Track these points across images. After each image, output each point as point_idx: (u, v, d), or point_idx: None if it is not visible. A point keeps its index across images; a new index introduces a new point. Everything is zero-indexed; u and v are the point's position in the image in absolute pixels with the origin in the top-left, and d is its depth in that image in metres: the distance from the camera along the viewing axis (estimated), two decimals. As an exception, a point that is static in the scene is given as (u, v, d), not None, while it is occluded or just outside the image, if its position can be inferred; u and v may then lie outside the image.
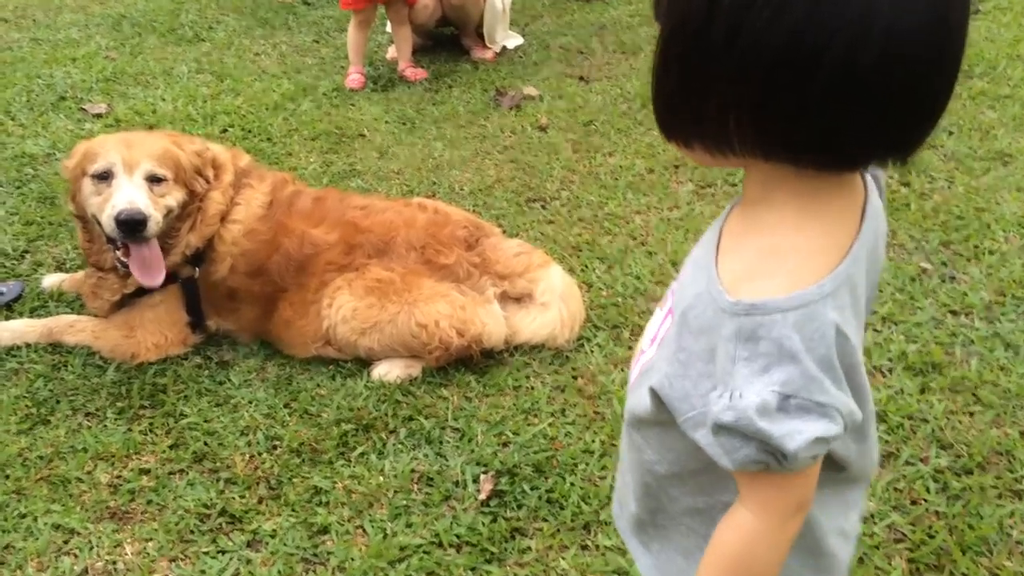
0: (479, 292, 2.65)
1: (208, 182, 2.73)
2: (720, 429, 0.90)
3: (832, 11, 0.79)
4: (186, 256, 2.70)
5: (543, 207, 3.60)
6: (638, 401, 1.07)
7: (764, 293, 0.89)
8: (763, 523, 0.95)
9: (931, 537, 2.06)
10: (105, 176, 2.58)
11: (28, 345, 2.79)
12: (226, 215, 2.72)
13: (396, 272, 2.61)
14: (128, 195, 2.54)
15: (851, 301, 0.91)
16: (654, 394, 1.01)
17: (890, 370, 2.57)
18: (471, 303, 2.59)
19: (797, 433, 0.87)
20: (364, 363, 2.67)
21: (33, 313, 2.97)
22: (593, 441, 2.35)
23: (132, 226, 2.52)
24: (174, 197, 2.64)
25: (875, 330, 2.74)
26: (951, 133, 4.00)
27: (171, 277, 2.71)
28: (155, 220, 2.56)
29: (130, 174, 2.58)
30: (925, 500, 2.15)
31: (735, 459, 0.91)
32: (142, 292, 2.74)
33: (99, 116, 4.55)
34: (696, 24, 0.85)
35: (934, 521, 2.10)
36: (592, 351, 2.71)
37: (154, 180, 2.60)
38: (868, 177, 1.02)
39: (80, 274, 3.07)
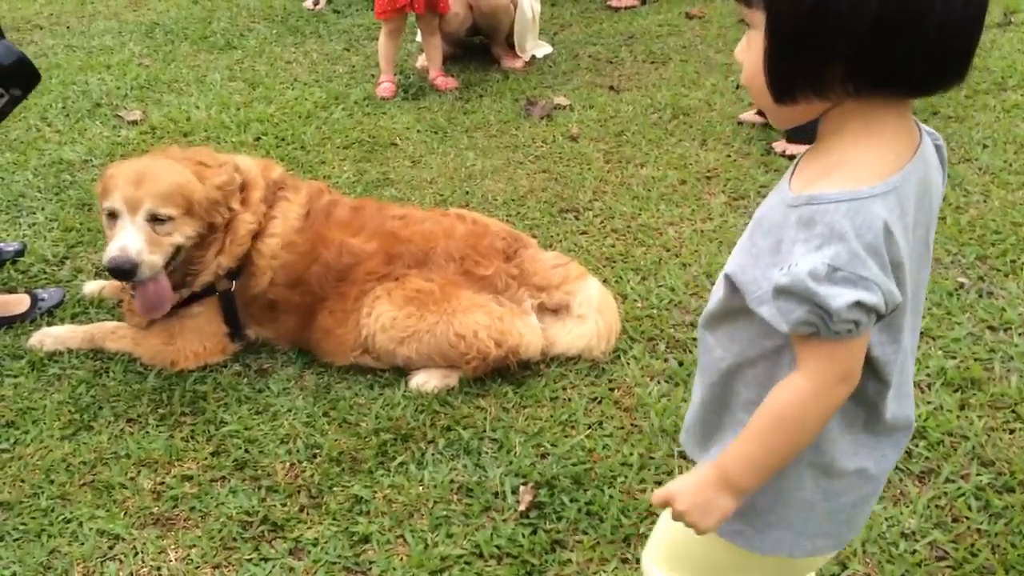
0: (517, 304, 2.66)
1: (231, 209, 2.70)
2: (779, 293, 1.08)
3: None
4: (219, 275, 2.73)
5: (576, 218, 3.61)
6: (714, 293, 1.27)
7: (825, 189, 1.08)
8: (812, 385, 1.12)
9: (974, 555, 2.05)
10: (112, 215, 2.60)
11: (70, 351, 2.83)
12: (261, 230, 2.74)
13: (435, 282, 2.63)
14: (122, 241, 2.55)
15: (900, 213, 1.09)
16: (728, 281, 1.20)
17: (929, 386, 2.56)
18: (509, 314, 2.61)
19: (840, 296, 1.04)
20: (401, 372, 2.69)
21: (74, 319, 3.01)
22: (631, 454, 2.36)
23: (121, 274, 2.56)
24: (183, 233, 2.61)
25: (913, 345, 2.73)
26: (985, 147, 3.98)
27: (209, 289, 2.75)
28: (148, 264, 2.55)
29: (133, 215, 2.56)
30: (967, 518, 2.14)
31: (789, 320, 1.09)
32: (180, 304, 2.78)
33: (134, 123, 4.60)
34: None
35: (976, 539, 2.09)
36: (628, 363, 2.72)
37: (157, 220, 2.58)
38: (930, 139, 1.20)
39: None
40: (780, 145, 4.04)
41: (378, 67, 5.09)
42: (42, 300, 3.06)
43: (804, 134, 4.02)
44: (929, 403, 2.49)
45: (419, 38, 5.27)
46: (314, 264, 2.72)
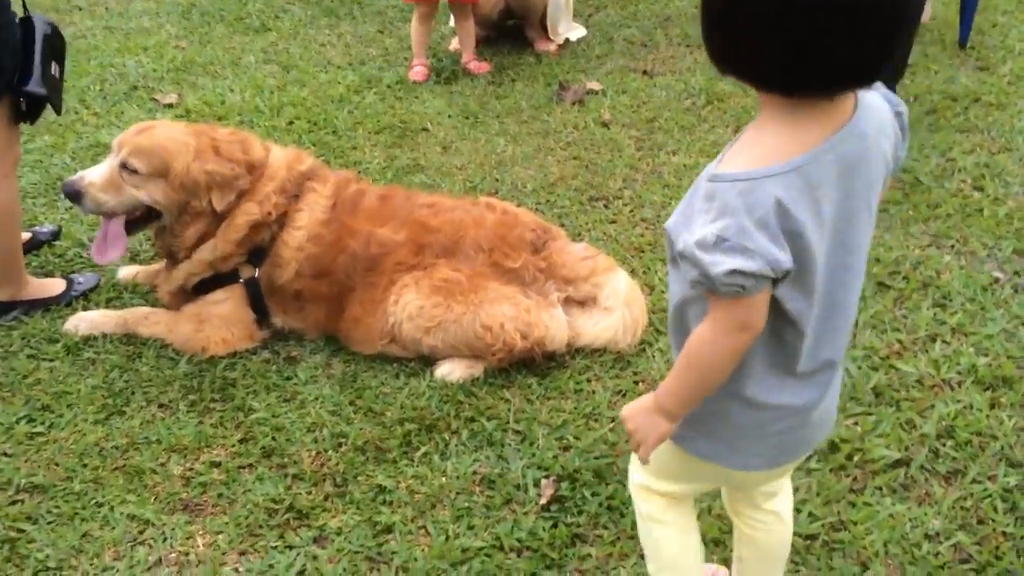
0: (544, 296, 2.66)
1: (226, 199, 2.73)
2: (680, 256, 1.29)
3: None
4: (218, 260, 2.78)
5: (605, 206, 3.59)
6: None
7: (727, 168, 1.26)
8: (713, 332, 1.33)
9: (998, 559, 2.03)
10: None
11: (104, 335, 2.89)
12: (288, 222, 2.77)
13: (463, 272, 2.63)
14: (86, 171, 2.78)
15: (804, 189, 1.24)
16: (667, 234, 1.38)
17: (959, 384, 2.53)
18: (536, 307, 2.61)
19: (720, 264, 1.22)
20: (427, 362, 2.71)
21: (108, 304, 3.07)
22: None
23: (68, 196, 2.78)
24: (149, 193, 2.73)
25: (944, 342, 2.70)
26: (1027, 135, 3.89)
27: (232, 276, 2.79)
28: (92, 199, 2.73)
29: (113, 156, 2.75)
30: (992, 520, 2.12)
31: (688, 278, 1.29)
32: (204, 288, 2.83)
33: (170, 106, 4.65)
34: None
35: (1001, 542, 2.07)
36: (654, 355, 2.71)
37: (127, 169, 2.71)
38: (883, 111, 1.35)
39: (154, 266, 3.16)
40: (815, 133, 3.98)
41: (411, 50, 5.09)
42: (78, 284, 3.12)
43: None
44: (959, 401, 2.45)
45: (452, 22, 5.25)
46: (341, 255, 2.74)
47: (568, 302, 2.72)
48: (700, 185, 1.31)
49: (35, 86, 2.75)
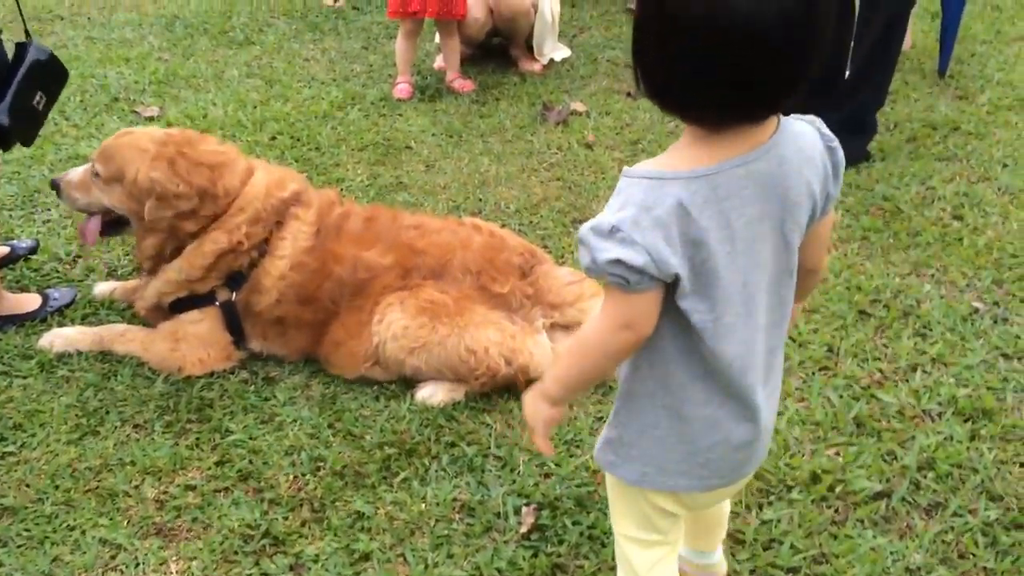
0: (530, 322, 2.65)
1: (151, 211, 2.68)
2: (578, 241, 1.34)
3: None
4: (185, 281, 2.75)
5: (588, 228, 3.58)
6: None
7: (639, 167, 1.32)
8: (600, 324, 1.38)
9: (978, 593, 2.03)
10: None
11: (80, 352, 2.84)
12: (270, 250, 2.73)
13: (450, 295, 2.61)
14: (75, 169, 2.89)
15: (710, 198, 1.29)
16: None
17: (939, 415, 2.54)
18: (521, 333, 2.60)
19: (605, 251, 1.27)
20: (408, 384, 2.69)
21: (84, 320, 3.03)
22: (635, 476, 2.34)
23: (52, 187, 2.91)
24: (108, 197, 2.78)
25: (924, 371, 2.71)
26: (1006, 166, 3.93)
27: (208, 298, 2.76)
28: (67, 195, 2.85)
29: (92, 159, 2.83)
30: (973, 555, 2.11)
31: (581, 261, 1.34)
32: (180, 306, 2.80)
33: (151, 119, 4.61)
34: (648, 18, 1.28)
35: (982, 576, 2.07)
36: (636, 382, 2.70)
37: (94, 171, 2.79)
38: (816, 142, 1.40)
39: (131, 283, 3.12)
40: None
41: (396, 67, 5.08)
42: (53, 299, 3.07)
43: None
44: (939, 433, 2.46)
45: (437, 39, 5.25)
46: (326, 281, 2.71)
47: (553, 327, 2.70)
48: None
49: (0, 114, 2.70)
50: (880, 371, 2.73)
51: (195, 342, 2.74)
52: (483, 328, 2.57)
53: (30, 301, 3.04)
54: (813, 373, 2.72)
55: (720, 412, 1.46)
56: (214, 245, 2.72)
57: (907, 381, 2.68)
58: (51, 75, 2.87)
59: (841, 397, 2.61)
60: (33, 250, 3.38)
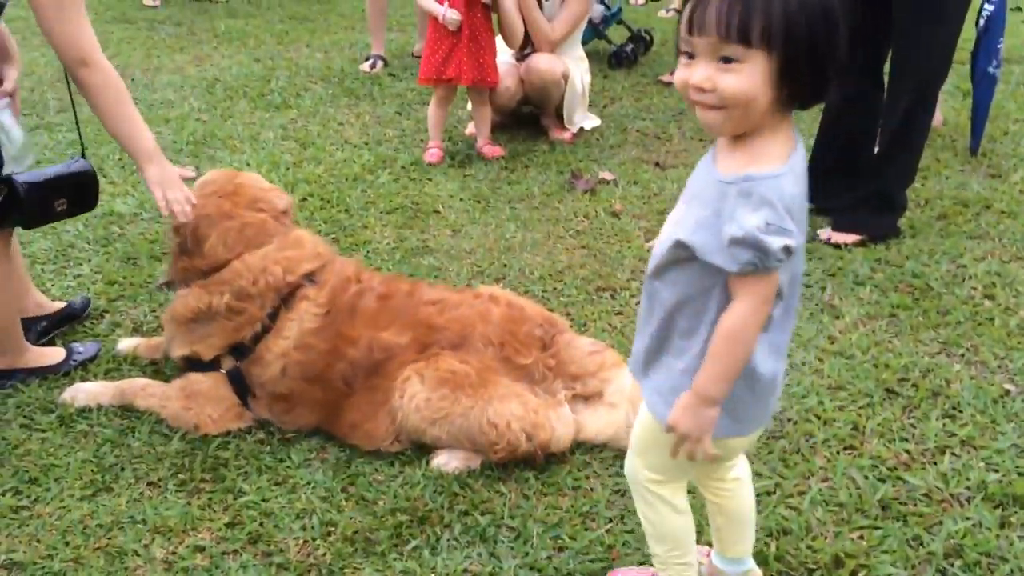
0: (552, 395, 2.62)
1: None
2: (734, 242, 1.52)
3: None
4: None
5: (612, 297, 3.57)
6: (658, 253, 1.71)
7: (754, 171, 1.53)
8: (750, 308, 1.58)
9: None
10: None
11: (100, 407, 2.85)
12: (275, 328, 2.71)
13: (471, 365, 2.59)
14: None
15: (798, 183, 1.57)
16: (680, 243, 1.61)
17: (968, 500, 2.46)
18: (544, 407, 2.56)
19: (776, 242, 1.50)
20: (423, 450, 2.66)
21: (107, 375, 3.04)
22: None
23: None
24: None
25: (953, 454, 2.63)
26: (1039, 244, 3.87)
27: (213, 364, 2.77)
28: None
29: None
30: (1003, 650, 2.02)
31: (739, 261, 1.53)
32: (192, 366, 2.81)
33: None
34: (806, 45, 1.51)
35: (1012, 673, 1.97)
36: (655, 455, 2.65)
37: None
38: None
39: (155, 340, 3.14)
40: (825, 233, 3.98)
41: (427, 132, 5.16)
42: (77, 353, 3.10)
43: (853, 223, 3.92)
44: (968, 519, 2.38)
45: (469, 106, 5.33)
46: (338, 362, 2.66)
47: (575, 398, 2.67)
48: (707, 193, 1.58)
49: (20, 176, 2.81)
50: (907, 452, 2.66)
51: (204, 401, 2.74)
52: (506, 401, 2.53)
53: (54, 354, 3.07)
54: (838, 452, 2.65)
55: (778, 365, 1.74)
56: (194, 301, 2.75)
57: (935, 463, 2.61)
58: (81, 188, 3.01)
59: (866, 478, 2.54)
60: (86, 305, 3.41)
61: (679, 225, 1.63)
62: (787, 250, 1.50)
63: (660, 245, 1.71)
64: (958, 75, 5.80)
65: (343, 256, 3.02)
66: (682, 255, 1.63)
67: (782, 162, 1.54)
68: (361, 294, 2.77)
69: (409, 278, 3.06)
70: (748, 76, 1.49)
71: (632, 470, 1.95)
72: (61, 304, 3.31)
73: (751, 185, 1.51)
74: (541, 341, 2.70)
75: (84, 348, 3.14)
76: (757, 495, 2.46)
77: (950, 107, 5.67)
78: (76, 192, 3.01)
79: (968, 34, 4.49)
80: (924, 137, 3.98)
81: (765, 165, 1.53)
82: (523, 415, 2.51)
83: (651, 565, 2.08)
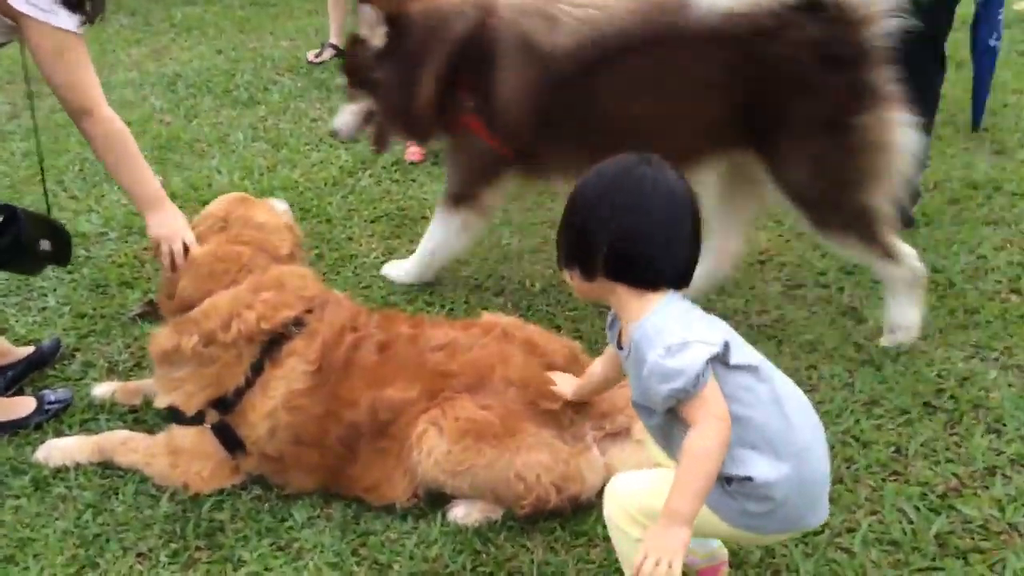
0: (579, 439, 2.41)
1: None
2: (646, 379, 1.73)
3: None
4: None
5: (621, 308, 3.36)
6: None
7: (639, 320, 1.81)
8: (700, 427, 1.71)
9: None
10: None
11: (78, 466, 2.60)
12: (260, 384, 2.45)
13: (494, 410, 2.34)
14: None
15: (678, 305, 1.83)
16: (634, 404, 1.93)
17: (1029, 530, 2.29)
18: (575, 455, 2.35)
19: (678, 361, 1.71)
20: (439, 502, 2.44)
21: (82, 426, 2.79)
22: (697, 611, 2.09)
23: None
24: None
25: (1004, 476, 2.47)
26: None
27: (198, 418, 2.50)
28: None
29: None
30: None
31: (660, 396, 1.73)
32: (176, 417, 2.55)
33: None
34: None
35: None
36: (688, 492, 2.45)
37: None
38: None
39: (132, 383, 2.89)
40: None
41: (407, 128, 4.88)
42: (48, 403, 2.83)
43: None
44: (1032, 554, 2.21)
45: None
46: (334, 426, 2.40)
47: (604, 438, 2.46)
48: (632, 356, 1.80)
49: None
50: (956, 476, 2.48)
51: (191, 457, 2.49)
52: (534, 452, 2.30)
53: (23, 405, 2.81)
54: (883, 480, 2.48)
55: (783, 466, 1.81)
56: (163, 339, 2.53)
57: (987, 488, 2.44)
58: (58, 234, 2.80)
59: (918, 509, 2.36)
60: (57, 347, 3.13)
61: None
62: (707, 361, 1.68)
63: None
64: (951, 44, 5.61)
65: (335, 291, 2.76)
66: (643, 410, 1.84)
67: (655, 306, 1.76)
68: (357, 345, 2.49)
69: (408, 316, 2.79)
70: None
71: (614, 496, 1.92)
72: (29, 349, 3.03)
73: (641, 329, 1.74)
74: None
75: (56, 395, 2.87)
76: (804, 536, 2.29)
77: (947, 82, 5.47)
78: (55, 235, 2.77)
79: (965, 8, 4.30)
80: (932, 120, 3.77)
81: (645, 312, 1.76)
82: (552, 466, 2.29)
83: None
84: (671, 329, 1.72)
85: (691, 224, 1.79)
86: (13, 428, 2.75)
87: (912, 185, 3.78)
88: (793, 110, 2.83)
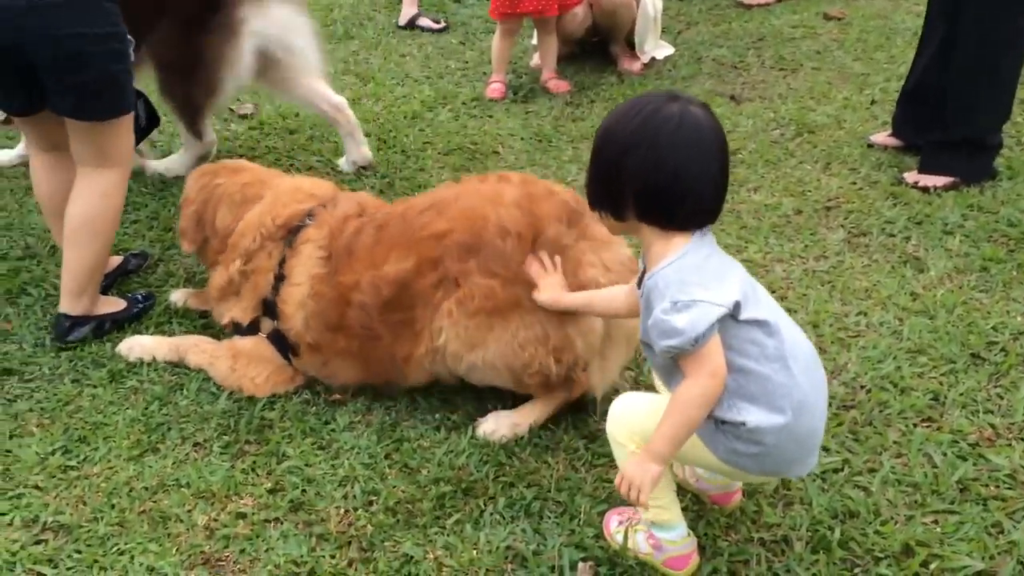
0: (577, 262, 2.39)
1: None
2: (651, 329, 1.81)
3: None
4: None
5: (677, 246, 3.38)
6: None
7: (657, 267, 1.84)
8: (691, 380, 1.79)
9: None
10: None
11: (151, 363, 2.83)
12: (286, 274, 2.65)
13: (498, 280, 2.37)
14: None
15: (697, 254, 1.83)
16: (641, 342, 1.95)
17: (1058, 483, 2.25)
18: (563, 325, 2.37)
19: (680, 318, 1.74)
20: (470, 416, 2.57)
21: (158, 328, 3.02)
22: (705, 534, 2.16)
23: None
24: None
25: (1044, 430, 2.41)
26: None
27: (252, 328, 2.74)
28: None
29: None
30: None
31: (658, 346, 1.78)
32: (236, 330, 2.79)
33: (244, 117, 4.63)
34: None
35: None
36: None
37: None
38: None
39: (204, 291, 3.10)
40: (912, 176, 3.69)
41: (491, 64, 4.96)
42: (137, 304, 3.08)
43: (943, 164, 3.60)
44: (1056, 506, 2.18)
45: (535, 38, 5.09)
46: (348, 309, 2.53)
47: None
48: (645, 296, 1.84)
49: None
50: (992, 426, 2.45)
51: (248, 361, 2.69)
52: (531, 327, 2.36)
53: (117, 303, 3.06)
54: (914, 425, 2.46)
55: (778, 417, 1.85)
56: (218, 279, 2.79)
57: (1022, 440, 2.40)
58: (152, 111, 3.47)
59: (945, 455, 2.35)
60: (145, 258, 3.40)
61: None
62: (713, 324, 1.71)
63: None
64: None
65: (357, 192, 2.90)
66: (647, 347, 1.88)
67: (676, 253, 1.78)
68: (359, 231, 2.58)
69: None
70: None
71: (618, 415, 1.99)
72: (119, 259, 3.31)
73: (655, 278, 1.77)
74: (569, 216, 2.43)
75: (142, 298, 3.12)
76: (822, 472, 2.31)
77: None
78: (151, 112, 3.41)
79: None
80: (1016, 69, 3.58)
81: (665, 257, 1.79)
82: (546, 338, 2.36)
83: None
84: (683, 282, 1.73)
85: (719, 161, 1.79)
86: (119, 321, 3.00)
87: (991, 140, 3.64)
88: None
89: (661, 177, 1.75)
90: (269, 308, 2.67)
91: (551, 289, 2.35)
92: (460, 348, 2.44)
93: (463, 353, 2.44)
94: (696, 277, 1.75)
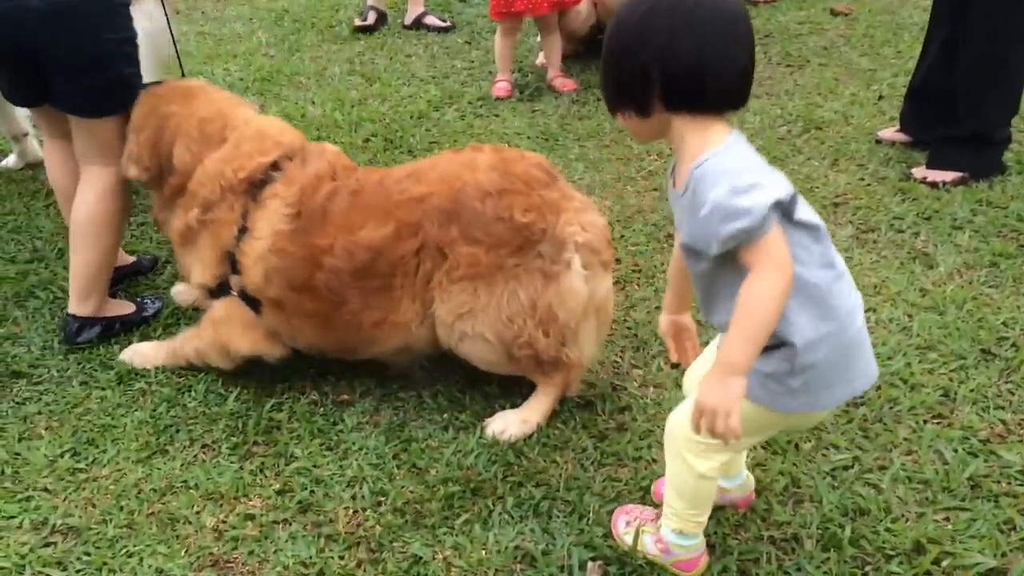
0: (561, 244, 2.39)
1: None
2: (705, 219, 1.63)
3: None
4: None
5: (684, 244, 3.37)
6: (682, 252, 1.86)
7: (702, 157, 1.69)
8: (759, 274, 1.61)
9: None
10: None
11: (158, 366, 2.84)
12: (247, 227, 2.59)
13: (480, 246, 2.39)
14: None
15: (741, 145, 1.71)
16: (684, 247, 1.80)
17: (1070, 480, 2.24)
18: (542, 294, 2.39)
19: (744, 200, 1.59)
20: (478, 416, 2.56)
21: (166, 330, 3.03)
22: (715, 532, 2.15)
23: None
24: None
25: (1055, 426, 2.40)
26: None
27: (224, 288, 2.69)
28: None
29: None
30: (1103, 655, 1.84)
31: (719, 238, 1.62)
32: (211, 296, 2.75)
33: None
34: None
35: None
36: (723, 422, 2.49)
37: None
38: None
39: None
40: (920, 171, 3.67)
41: (496, 64, 4.95)
42: (146, 308, 3.08)
43: (951, 159, 3.59)
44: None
45: (540, 37, 5.08)
46: (317, 272, 2.51)
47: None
48: (688, 193, 1.68)
49: None
50: (1003, 422, 2.43)
51: (228, 322, 2.68)
52: (516, 294, 2.39)
53: (126, 306, 3.06)
54: (925, 422, 2.45)
55: (827, 326, 1.77)
56: (176, 223, 2.73)
57: (1034, 436, 2.38)
58: None
59: (956, 452, 2.34)
60: (155, 263, 3.41)
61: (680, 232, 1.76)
62: (775, 204, 1.57)
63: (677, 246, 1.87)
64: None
65: (322, 143, 2.81)
66: (691, 254, 1.74)
67: (721, 143, 1.65)
68: (334, 194, 2.55)
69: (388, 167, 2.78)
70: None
71: (674, 427, 1.89)
72: (132, 259, 3.32)
73: (702, 168, 1.62)
74: (544, 178, 2.47)
75: (151, 302, 3.12)
76: (832, 469, 2.30)
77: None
78: None
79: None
80: (1021, 67, 3.55)
81: (707, 148, 1.65)
82: (530, 309, 2.39)
83: (655, 506, 2.17)
84: (737, 169, 1.61)
85: (743, 36, 1.66)
86: (126, 323, 3.01)
87: (999, 134, 3.62)
88: None
89: (686, 56, 1.61)
90: (233, 265, 2.65)
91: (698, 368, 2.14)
92: (447, 315, 2.46)
93: (452, 320, 2.46)
94: (751, 164, 1.65)
